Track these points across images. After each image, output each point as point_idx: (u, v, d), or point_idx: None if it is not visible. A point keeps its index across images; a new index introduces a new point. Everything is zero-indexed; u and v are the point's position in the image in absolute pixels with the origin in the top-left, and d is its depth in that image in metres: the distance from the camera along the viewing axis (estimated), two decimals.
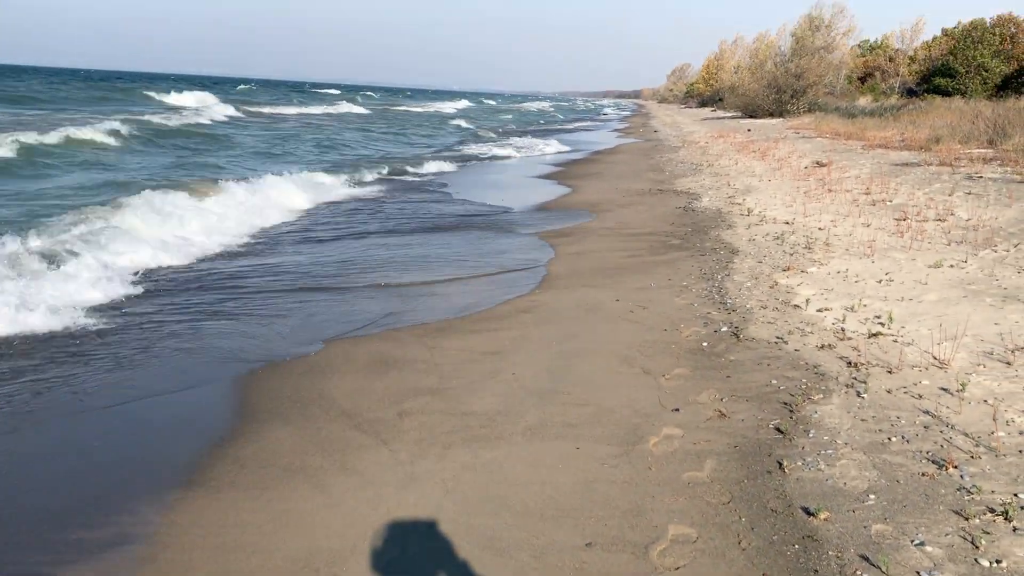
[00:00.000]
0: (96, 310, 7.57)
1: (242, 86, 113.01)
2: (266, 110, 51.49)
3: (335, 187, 17.00)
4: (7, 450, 4.86)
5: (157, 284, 8.73)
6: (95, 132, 23.24)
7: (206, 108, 45.76)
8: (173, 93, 59.22)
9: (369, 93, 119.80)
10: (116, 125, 25.10)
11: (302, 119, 44.95)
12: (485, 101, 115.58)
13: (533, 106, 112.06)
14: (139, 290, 8.39)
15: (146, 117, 31.30)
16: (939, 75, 48.03)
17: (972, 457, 4.37)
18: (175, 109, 43.70)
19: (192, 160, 20.73)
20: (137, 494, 4.38)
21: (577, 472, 4.55)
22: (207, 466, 4.72)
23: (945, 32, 55.00)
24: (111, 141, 22.94)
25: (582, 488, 4.37)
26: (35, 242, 9.43)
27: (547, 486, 4.41)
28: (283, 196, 14.67)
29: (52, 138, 20.94)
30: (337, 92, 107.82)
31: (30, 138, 19.99)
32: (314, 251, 10.78)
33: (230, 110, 45.50)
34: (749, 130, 36.10)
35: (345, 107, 63.69)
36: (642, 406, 5.41)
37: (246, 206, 13.25)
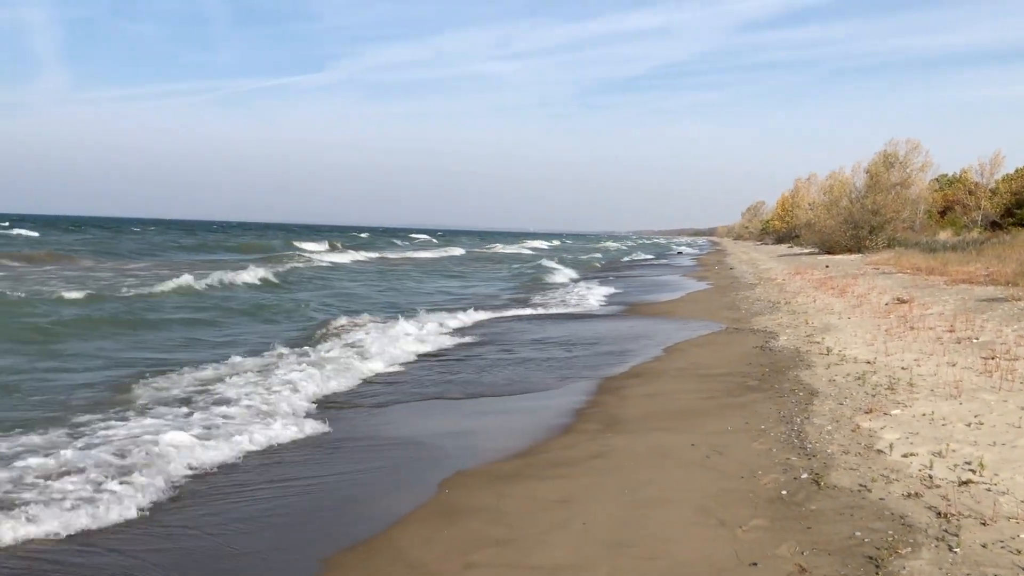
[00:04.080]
0: None
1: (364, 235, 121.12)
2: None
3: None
4: None
5: None
6: None
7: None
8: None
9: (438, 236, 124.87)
10: None
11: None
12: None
13: (612, 245, 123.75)
14: None
15: None
16: None
17: None
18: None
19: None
20: None
21: None
22: None
23: None
24: None
25: None
26: None
27: None
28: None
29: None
30: (427, 237, 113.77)
31: None
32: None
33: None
34: (827, 266, 35.76)
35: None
36: (718, 560, 5.18)
37: None
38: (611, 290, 29.36)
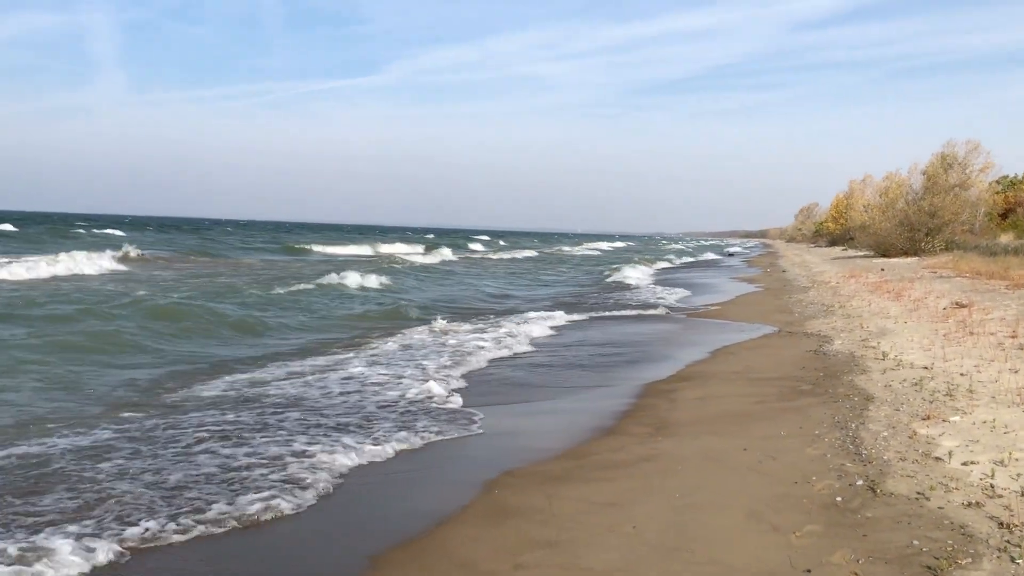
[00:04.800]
0: None
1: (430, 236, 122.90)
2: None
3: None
4: None
5: None
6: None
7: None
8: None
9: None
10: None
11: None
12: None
13: (676, 246, 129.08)
14: None
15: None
16: None
17: None
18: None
19: None
20: None
21: None
22: None
23: None
24: None
25: None
26: None
27: None
28: None
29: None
30: (488, 238, 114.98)
31: None
32: None
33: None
34: (882, 269, 35.10)
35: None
36: (771, 566, 5.10)
37: None
38: (677, 292, 29.27)
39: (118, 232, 72.24)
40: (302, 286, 24.98)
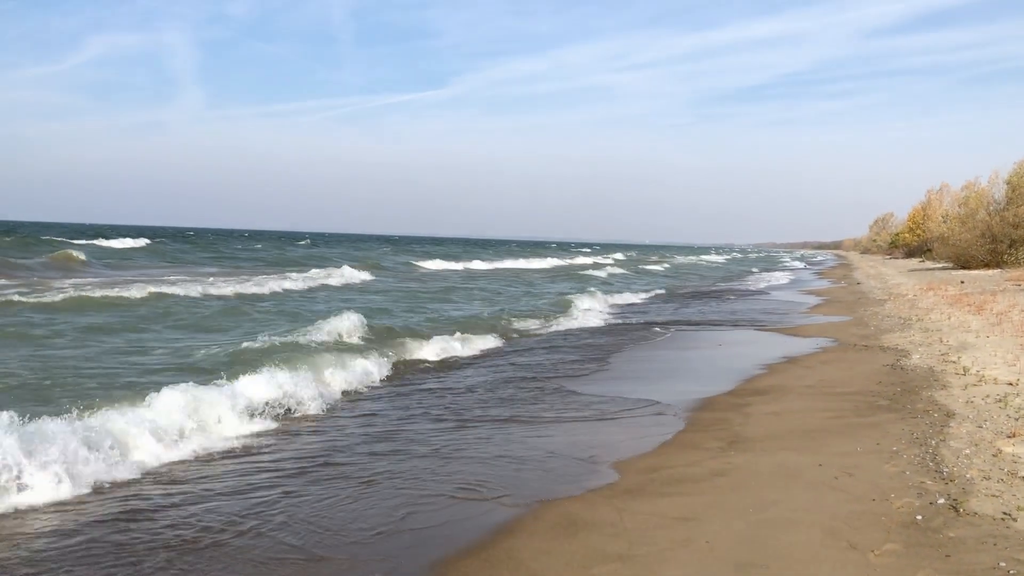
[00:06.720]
0: None
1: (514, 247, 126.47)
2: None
3: None
4: None
5: None
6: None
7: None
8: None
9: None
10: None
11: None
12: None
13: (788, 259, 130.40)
14: None
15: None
16: None
17: None
18: None
19: None
20: None
21: None
22: None
23: None
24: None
25: None
26: None
27: None
28: None
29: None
30: (590, 250, 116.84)
31: None
32: None
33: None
34: (962, 282, 34.07)
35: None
36: None
37: None
38: (759, 302, 28.87)
39: (256, 245, 79.59)
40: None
